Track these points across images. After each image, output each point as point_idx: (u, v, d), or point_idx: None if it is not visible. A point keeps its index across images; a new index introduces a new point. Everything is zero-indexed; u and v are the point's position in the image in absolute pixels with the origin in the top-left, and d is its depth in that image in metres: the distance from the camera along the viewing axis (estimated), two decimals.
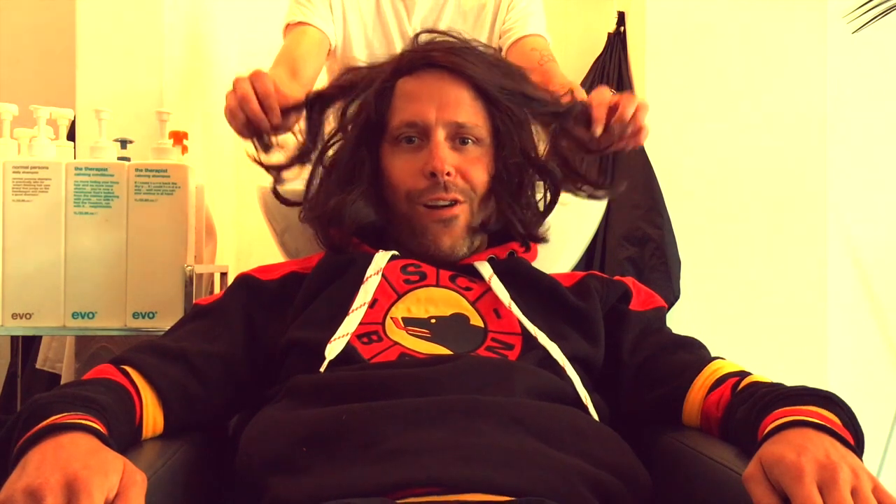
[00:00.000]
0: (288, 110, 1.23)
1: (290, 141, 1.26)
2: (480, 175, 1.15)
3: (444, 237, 1.15)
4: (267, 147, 1.25)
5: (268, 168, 1.26)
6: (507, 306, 1.10)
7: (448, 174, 1.12)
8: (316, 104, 1.25)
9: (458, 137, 1.15)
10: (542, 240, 1.24)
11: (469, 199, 1.15)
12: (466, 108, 1.15)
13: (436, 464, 0.86)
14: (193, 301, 1.32)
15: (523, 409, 0.95)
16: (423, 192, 1.14)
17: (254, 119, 1.21)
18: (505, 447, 0.90)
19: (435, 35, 1.23)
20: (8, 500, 0.70)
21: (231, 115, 1.24)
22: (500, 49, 1.66)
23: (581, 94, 1.32)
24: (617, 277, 1.22)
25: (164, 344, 1.06)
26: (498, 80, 1.17)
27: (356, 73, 1.24)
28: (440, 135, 1.13)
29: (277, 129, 1.24)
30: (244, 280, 1.15)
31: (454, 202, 1.14)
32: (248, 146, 1.25)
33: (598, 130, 1.24)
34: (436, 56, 1.17)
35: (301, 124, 1.25)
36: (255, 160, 1.26)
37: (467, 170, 1.14)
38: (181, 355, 1.03)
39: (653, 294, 1.22)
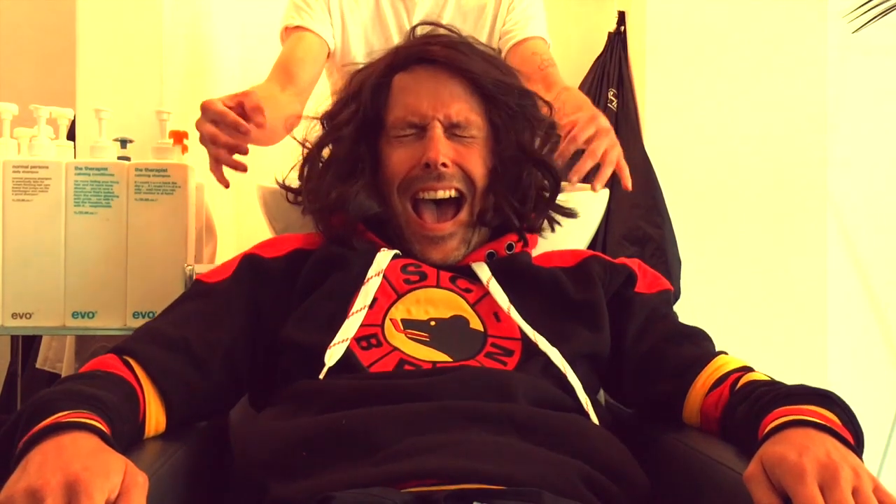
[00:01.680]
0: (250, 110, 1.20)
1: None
2: (478, 167, 1.14)
3: (432, 252, 1.15)
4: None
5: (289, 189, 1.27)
6: (506, 311, 1.09)
7: (444, 165, 1.11)
8: (328, 120, 1.24)
9: (455, 132, 1.14)
10: (542, 228, 1.24)
11: (470, 193, 1.14)
12: (462, 103, 1.14)
13: (433, 459, 0.87)
14: None
15: (520, 413, 0.96)
16: (415, 181, 1.13)
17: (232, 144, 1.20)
18: (501, 444, 0.91)
19: (430, 29, 1.23)
20: (8, 500, 0.70)
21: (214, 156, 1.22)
22: (500, 51, 1.66)
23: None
24: (622, 260, 1.21)
25: (166, 332, 1.04)
26: (493, 74, 1.17)
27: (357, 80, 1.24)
28: (437, 129, 1.13)
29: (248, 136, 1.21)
30: (249, 260, 1.14)
31: (458, 195, 1.14)
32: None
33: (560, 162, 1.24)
34: (431, 51, 1.17)
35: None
36: (280, 185, 1.27)
37: (465, 162, 1.14)
38: (184, 346, 1.02)
39: (658, 276, 1.20)
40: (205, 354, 1.03)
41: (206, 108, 1.20)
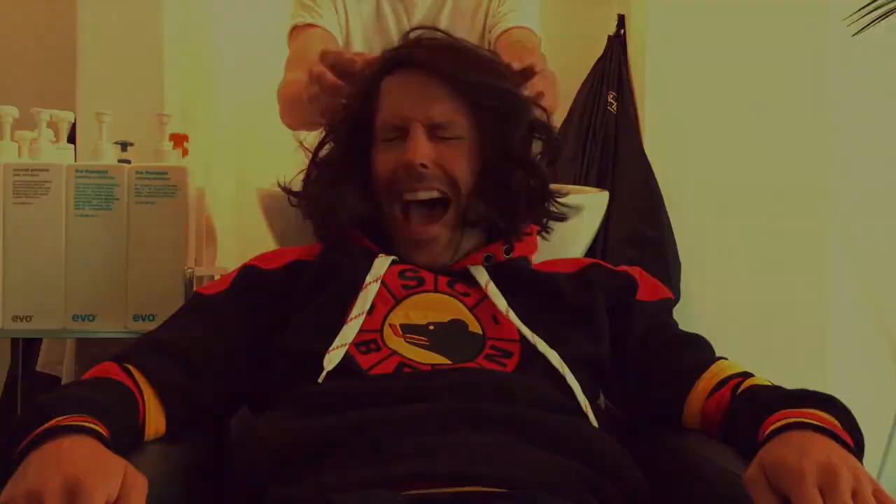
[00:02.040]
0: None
1: None
2: (462, 169, 1.12)
3: (419, 255, 1.14)
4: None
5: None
6: (505, 313, 1.09)
7: (424, 166, 1.10)
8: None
9: (437, 133, 1.13)
10: (534, 232, 1.22)
11: (455, 195, 1.13)
12: (445, 106, 1.13)
13: (433, 461, 0.88)
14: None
15: (520, 416, 0.96)
16: (398, 183, 1.12)
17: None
18: (501, 446, 0.91)
19: (422, 33, 1.23)
20: (9, 502, 0.70)
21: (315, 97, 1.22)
22: (490, 44, 1.65)
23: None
24: (623, 267, 1.21)
25: (165, 342, 1.05)
26: (479, 76, 1.14)
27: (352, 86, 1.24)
28: (417, 130, 1.12)
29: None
30: (247, 272, 1.15)
31: (443, 198, 1.12)
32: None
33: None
34: (416, 54, 1.16)
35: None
36: (281, 187, 1.27)
37: (447, 163, 1.12)
38: (183, 356, 1.03)
39: (659, 284, 1.20)
40: (204, 365, 1.04)
41: (324, 54, 1.21)
